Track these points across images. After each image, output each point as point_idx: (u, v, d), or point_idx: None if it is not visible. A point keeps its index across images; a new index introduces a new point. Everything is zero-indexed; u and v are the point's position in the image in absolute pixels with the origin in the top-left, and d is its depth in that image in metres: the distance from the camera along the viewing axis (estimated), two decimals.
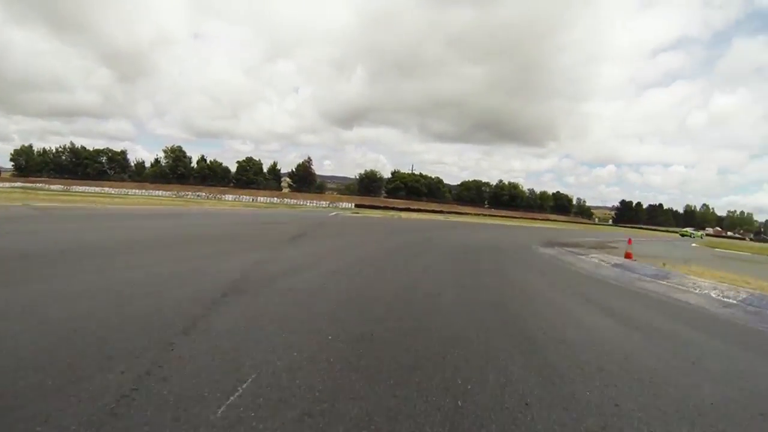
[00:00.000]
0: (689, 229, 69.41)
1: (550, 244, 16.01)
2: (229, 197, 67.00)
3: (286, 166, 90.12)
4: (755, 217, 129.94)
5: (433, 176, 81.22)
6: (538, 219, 73.73)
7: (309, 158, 78.12)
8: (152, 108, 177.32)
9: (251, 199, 66.74)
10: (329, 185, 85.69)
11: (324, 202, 68.50)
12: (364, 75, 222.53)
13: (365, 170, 77.78)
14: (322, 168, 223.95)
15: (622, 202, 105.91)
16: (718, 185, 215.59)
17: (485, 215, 67.09)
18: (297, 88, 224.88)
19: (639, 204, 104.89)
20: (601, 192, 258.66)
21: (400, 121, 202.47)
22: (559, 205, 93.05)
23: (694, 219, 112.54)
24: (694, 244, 36.84)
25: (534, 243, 15.71)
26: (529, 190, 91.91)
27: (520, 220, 64.11)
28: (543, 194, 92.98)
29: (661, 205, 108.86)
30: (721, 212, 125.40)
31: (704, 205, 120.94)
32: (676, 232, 78.29)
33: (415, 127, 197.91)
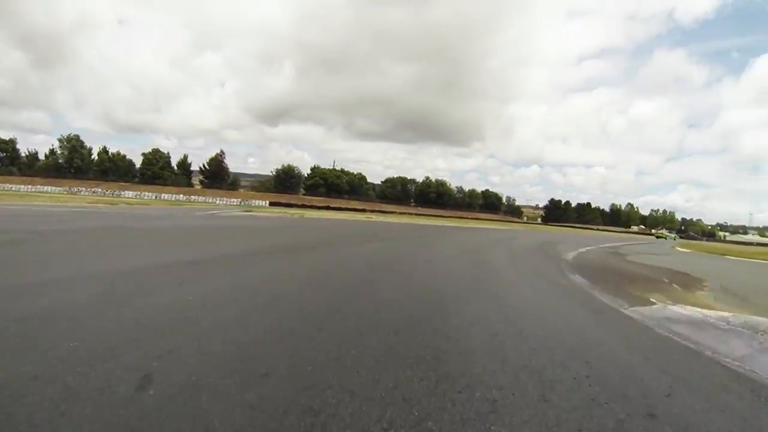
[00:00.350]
0: (664, 231, 72.31)
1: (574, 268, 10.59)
2: (129, 194, 62.35)
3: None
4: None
5: (355, 172, 79.65)
6: (469, 218, 73.61)
7: (222, 152, 73.44)
8: (71, 98, 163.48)
9: (154, 196, 62.45)
10: (244, 182, 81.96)
11: (235, 200, 65.38)
12: (292, 70, 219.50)
13: (282, 165, 74.65)
14: (247, 165, 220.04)
15: (551, 201, 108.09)
16: (636, 186, 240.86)
17: (412, 214, 66.22)
18: (223, 82, 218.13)
19: (568, 203, 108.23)
20: (525, 191, 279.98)
21: (325, 118, 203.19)
22: (489, 203, 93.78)
23: (620, 217, 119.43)
24: (680, 248, 33.97)
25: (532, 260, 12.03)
26: (457, 187, 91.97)
27: (450, 219, 62.84)
28: (472, 192, 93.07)
29: (589, 204, 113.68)
30: (643, 211, 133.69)
31: (629, 204, 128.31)
32: (635, 232, 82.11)
33: (340, 125, 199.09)
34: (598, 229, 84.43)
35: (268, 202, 63.37)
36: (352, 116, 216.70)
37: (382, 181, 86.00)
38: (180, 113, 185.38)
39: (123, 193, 61.67)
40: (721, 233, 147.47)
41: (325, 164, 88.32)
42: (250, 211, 34.00)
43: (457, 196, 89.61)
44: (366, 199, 75.26)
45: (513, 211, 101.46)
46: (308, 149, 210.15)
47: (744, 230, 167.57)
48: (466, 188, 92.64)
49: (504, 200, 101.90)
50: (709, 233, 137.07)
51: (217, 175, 70.74)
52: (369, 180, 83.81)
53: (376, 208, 68.17)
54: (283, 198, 67.75)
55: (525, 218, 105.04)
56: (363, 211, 62.00)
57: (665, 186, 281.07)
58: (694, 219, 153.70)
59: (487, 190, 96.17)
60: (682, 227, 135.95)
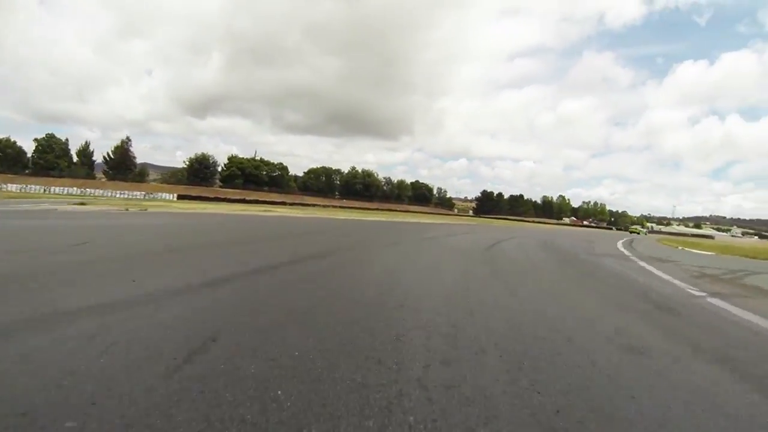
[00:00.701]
0: (638, 227, 74.73)
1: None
2: (13, 187, 57.11)
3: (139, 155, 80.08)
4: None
5: (275, 162, 77.25)
6: (398, 211, 71.81)
7: (128, 138, 68.42)
8: None
9: (43, 190, 57.63)
10: (155, 174, 77.79)
11: (139, 193, 61.68)
12: (221, 61, 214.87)
13: (195, 154, 70.91)
14: (175, 158, 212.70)
15: (483, 193, 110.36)
16: (563, 180, 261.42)
17: (336, 207, 65.29)
18: (150, 70, 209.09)
19: (500, 194, 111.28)
20: (453, 184, 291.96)
21: (253, 111, 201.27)
22: (419, 195, 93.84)
23: (552, 209, 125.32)
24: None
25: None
26: (385, 179, 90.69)
27: (378, 212, 58.23)
28: (401, 184, 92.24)
29: (521, 196, 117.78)
30: (574, 203, 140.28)
31: (560, 196, 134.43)
32: (568, 224, 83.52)
33: (268, 118, 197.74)
34: (534, 222, 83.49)
35: (176, 195, 60.39)
36: (280, 109, 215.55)
37: (305, 172, 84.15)
38: (105, 103, 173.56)
39: (5, 186, 56.46)
40: (649, 224, 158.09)
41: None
42: (84, 204, 23.14)
43: (385, 188, 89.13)
44: (288, 191, 73.60)
45: (444, 202, 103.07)
46: (236, 142, 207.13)
47: (668, 222, 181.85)
48: (395, 180, 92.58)
49: (435, 192, 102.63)
50: (624, 225, 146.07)
51: (122, 166, 66.44)
52: (293, 172, 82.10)
53: (297, 201, 66.79)
54: (195, 190, 64.83)
55: (456, 210, 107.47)
56: (282, 204, 60.29)
57: (591, 180, 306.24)
58: (620, 211, 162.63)
59: (417, 182, 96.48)
60: (612, 219, 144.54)
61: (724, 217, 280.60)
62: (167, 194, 61.46)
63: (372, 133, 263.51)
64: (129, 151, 67.43)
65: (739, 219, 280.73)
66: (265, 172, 72.70)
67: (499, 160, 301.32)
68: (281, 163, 77.56)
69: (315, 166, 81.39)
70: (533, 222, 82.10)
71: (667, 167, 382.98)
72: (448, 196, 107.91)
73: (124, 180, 64.76)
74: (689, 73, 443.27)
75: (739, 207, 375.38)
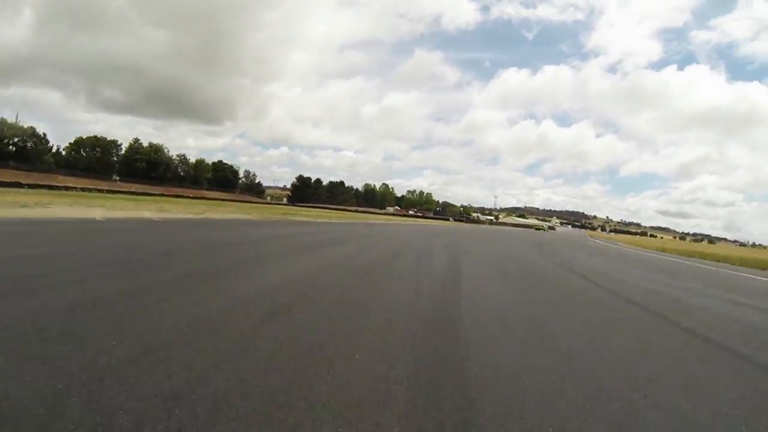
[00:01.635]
0: (543, 224, 78.65)
1: None
2: None
3: None
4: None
5: (26, 126, 63.35)
6: (189, 197, 60.63)
7: None
8: None
9: None
10: None
11: None
12: (33, 18, 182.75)
13: None
14: None
15: (300, 178, 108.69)
16: (385, 170, 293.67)
17: (103, 191, 53.83)
18: None
19: (318, 181, 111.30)
20: (273, 172, 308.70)
21: (67, 83, 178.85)
22: (221, 178, 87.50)
23: (375, 198, 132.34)
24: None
25: None
26: (179, 156, 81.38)
27: (159, 199, 42.94)
28: (199, 163, 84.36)
29: (342, 183, 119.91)
30: (398, 192, 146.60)
31: (384, 184, 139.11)
32: (393, 214, 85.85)
33: (83, 93, 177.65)
34: (357, 212, 76.62)
35: None
36: (97, 83, 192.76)
37: (69, 143, 71.17)
38: None
39: None
40: (474, 215, 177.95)
41: (66, 138, 72.40)
42: None
43: (178, 167, 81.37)
44: (44, 169, 64.55)
45: (253, 188, 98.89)
46: (47, 119, 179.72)
47: (489, 212, 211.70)
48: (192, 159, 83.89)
49: (242, 175, 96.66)
50: (465, 214, 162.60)
51: None
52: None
53: (55, 183, 58.58)
54: None
55: (268, 198, 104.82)
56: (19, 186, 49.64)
57: (412, 171, 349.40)
58: (440, 201, 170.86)
59: (221, 162, 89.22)
60: (438, 209, 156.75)
61: (538, 208, 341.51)
62: None
63: (194, 115, 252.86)
64: None
65: (550, 210, 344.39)
66: (9, 142, 62.05)
67: (320, 149, 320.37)
68: (32, 128, 64.19)
69: (84, 136, 71.59)
70: (356, 212, 73.99)
71: (486, 161, 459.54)
72: (257, 181, 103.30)
73: None
74: (513, 79, 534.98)
75: (549, 200, 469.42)
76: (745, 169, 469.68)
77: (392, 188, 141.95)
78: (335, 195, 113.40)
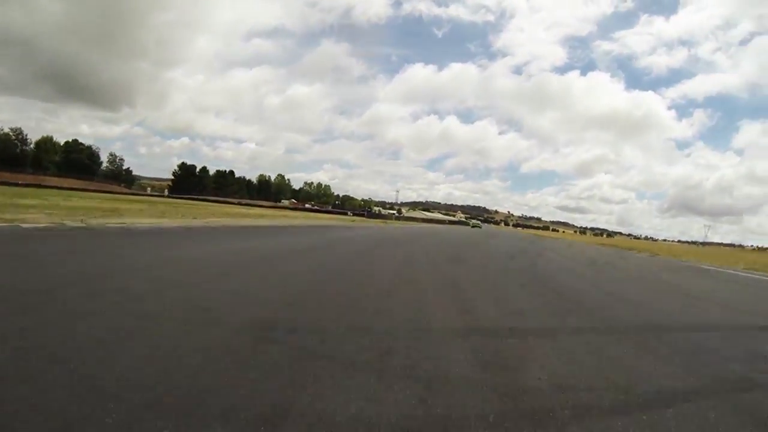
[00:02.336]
0: (477, 221, 76.88)
1: None
2: None
3: None
4: None
5: None
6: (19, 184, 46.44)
7: None
8: None
9: None
10: None
11: None
12: None
13: None
14: None
15: (182, 166, 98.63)
16: (286, 163, 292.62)
17: None
18: None
19: (204, 169, 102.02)
20: (173, 164, 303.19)
21: None
22: (75, 161, 72.88)
23: (270, 190, 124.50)
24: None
25: None
26: (13, 130, 66.20)
27: None
28: (44, 141, 69.43)
29: (232, 172, 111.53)
30: (295, 185, 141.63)
31: (279, 175, 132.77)
32: (287, 207, 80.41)
33: None
34: (242, 205, 64.05)
35: None
36: None
37: None
38: None
39: None
40: (376, 209, 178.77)
41: None
42: None
43: (18, 149, 66.52)
44: None
45: (120, 176, 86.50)
46: None
47: (390, 206, 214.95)
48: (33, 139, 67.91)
49: (104, 159, 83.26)
50: (367, 208, 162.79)
51: None
52: None
53: None
54: None
55: (149, 189, 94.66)
56: None
57: (313, 164, 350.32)
58: (341, 195, 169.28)
59: (76, 141, 74.38)
60: (337, 202, 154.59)
61: (439, 203, 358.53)
62: None
63: (90, 100, 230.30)
64: None
65: (452, 205, 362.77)
66: None
67: (222, 141, 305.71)
68: None
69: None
70: (240, 206, 59.48)
71: (387, 156, 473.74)
72: (126, 167, 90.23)
73: None
74: (419, 74, 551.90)
75: (450, 194, 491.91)
76: (637, 170, 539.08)
77: (288, 180, 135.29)
78: (223, 186, 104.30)
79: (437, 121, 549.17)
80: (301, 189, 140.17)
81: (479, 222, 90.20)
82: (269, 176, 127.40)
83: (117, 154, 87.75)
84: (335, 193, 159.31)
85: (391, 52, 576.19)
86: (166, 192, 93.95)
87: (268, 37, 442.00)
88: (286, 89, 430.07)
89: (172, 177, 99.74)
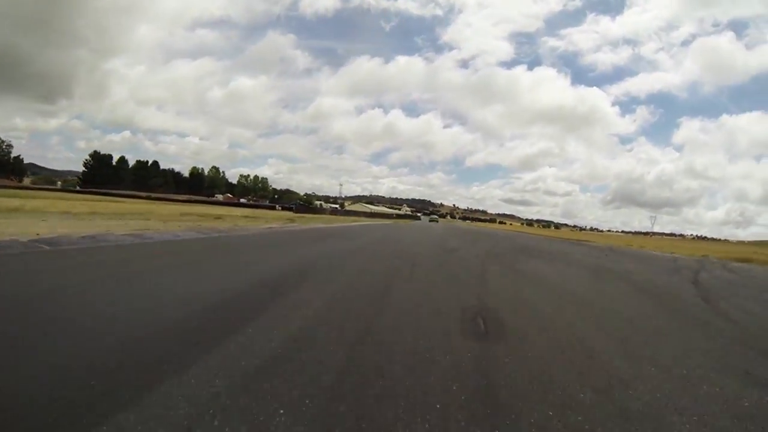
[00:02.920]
0: (434, 216, 74.74)
1: None
2: None
3: None
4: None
5: None
6: None
7: None
8: None
9: None
10: None
11: None
12: None
13: None
14: None
15: (95, 156, 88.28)
16: (229, 157, 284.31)
17: None
18: None
19: (123, 159, 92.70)
20: (115, 159, 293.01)
21: None
22: None
23: (203, 184, 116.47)
24: None
25: None
26: None
27: None
28: None
29: (156, 164, 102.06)
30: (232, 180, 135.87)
31: (214, 167, 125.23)
32: (222, 203, 74.77)
33: None
34: (153, 202, 47.29)
35: None
36: None
37: None
38: None
39: None
40: (318, 202, 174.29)
41: None
42: None
43: None
44: None
45: (10, 167, 74.98)
46: None
47: (334, 200, 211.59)
48: (50, 156, 60.04)
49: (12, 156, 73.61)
50: (308, 202, 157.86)
51: None
52: None
53: None
54: None
55: (59, 184, 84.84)
56: None
57: (257, 159, 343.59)
58: (283, 189, 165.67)
59: None
60: (276, 196, 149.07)
61: (384, 197, 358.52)
62: None
63: (24, 92, 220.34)
64: None
65: (397, 198, 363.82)
66: None
67: (164, 135, 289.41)
68: None
69: None
70: (149, 202, 43.22)
71: (331, 150, 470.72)
72: (19, 156, 79.56)
73: None
74: (364, 67, 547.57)
75: (394, 188, 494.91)
76: (581, 164, 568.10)
77: (223, 172, 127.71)
78: (143, 178, 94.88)
79: (382, 114, 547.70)
80: (237, 183, 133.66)
81: (436, 216, 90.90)
82: (202, 168, 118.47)
83: (4, 140, 75.85)
84: (273, 187, 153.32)
85: (337, 45, 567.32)
86: (76, 187, 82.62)
87: (213, 28, 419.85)
88: (229, 82, 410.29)
89: (84, 168, 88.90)
